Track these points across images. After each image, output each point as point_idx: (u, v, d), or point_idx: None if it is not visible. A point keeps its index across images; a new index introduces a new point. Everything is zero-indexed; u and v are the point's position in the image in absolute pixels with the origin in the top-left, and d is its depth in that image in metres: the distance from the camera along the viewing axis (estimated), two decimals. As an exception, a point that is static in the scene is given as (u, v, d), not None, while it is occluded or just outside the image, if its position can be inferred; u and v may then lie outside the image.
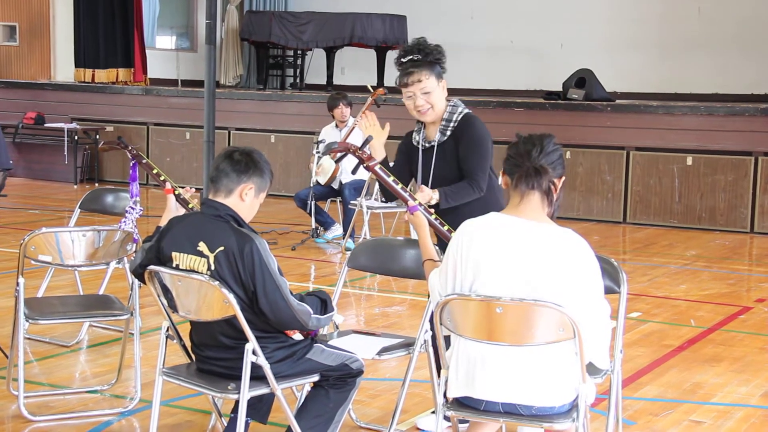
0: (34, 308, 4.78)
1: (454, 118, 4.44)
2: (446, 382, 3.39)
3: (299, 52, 16.25)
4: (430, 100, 4.40)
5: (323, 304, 3.83)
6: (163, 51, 17.00)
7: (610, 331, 3.40)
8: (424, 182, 4.47)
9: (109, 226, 4.91)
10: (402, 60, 4.43)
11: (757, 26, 14.50)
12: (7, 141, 13.40)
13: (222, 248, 3.61)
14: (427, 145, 4.51)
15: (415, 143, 4.55)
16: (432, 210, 4.17)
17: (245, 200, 3.75)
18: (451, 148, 4.42)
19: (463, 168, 4.38)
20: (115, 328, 6.01)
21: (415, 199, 4.03)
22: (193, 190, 4.41)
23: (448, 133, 4.43)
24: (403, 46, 4.48)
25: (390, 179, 4.20)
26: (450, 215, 4.25)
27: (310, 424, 3.82)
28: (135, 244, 4.87)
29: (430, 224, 4.02)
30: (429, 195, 4.28)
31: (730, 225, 11.08)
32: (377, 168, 4.23)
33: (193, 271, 3.65)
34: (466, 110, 4.49)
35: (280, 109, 13.44)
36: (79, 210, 6.04)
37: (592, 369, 3.59)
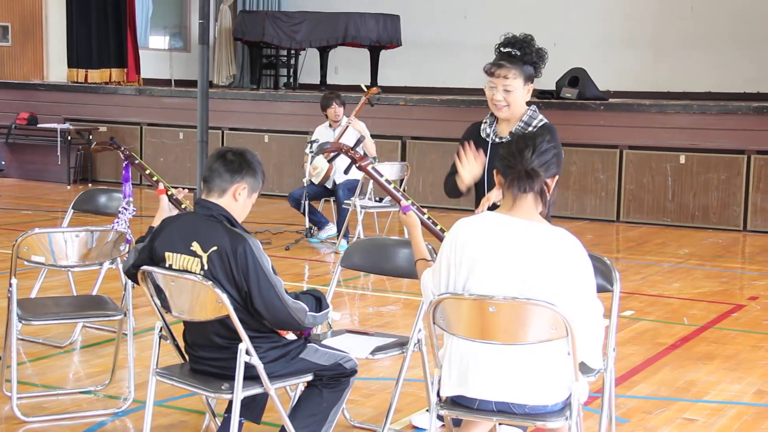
0: (27, 309, 4.77)
1: (533, 123, 4.35)
2: (439, 381, 3.40)
3: (293, 51, 16.26)
4: (509, 98, 4.30)
5: (318, 302, 3.83)
6: (156, 51, 16.99)
7: (603, 330, 3.40)
8: (489, 187, 4.29)
9: (102, 227, 4.91)
10: (501, 49, 4.33)
11: (750, 25, 14.53)
12: (0, 142, 13.41)
13: (215, 248, 3.61)
14: (497, 140, 4.38)
15: (484, 135, 4.42)
16: (425, 210, 4.17)
17: (238, 200, 3.75)
18: None
19: None
20: (108, 328, 6.00)
21: (407, 199, 4.03)
22: (186, 191, 4.41)
23: None
24: (506, 36, 4.35)
25: (382, 179, 4.19)
26: None
27: (303, 424, 3.82)
28: (128, 245, 4.87)
29: (423, 224, 4.01)
30: (498, 194, 4.15)
31: (723, 223, 11.10)
32: (369, 168, 4.22)
33: (186, 271, 3.65)
34: (546, 120, 4.40)
35: (273, 109, 13.43)
36: (72, 210, 6.03)
37: (585, 368, 3.60)
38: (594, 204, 11.67)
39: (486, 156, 4.34)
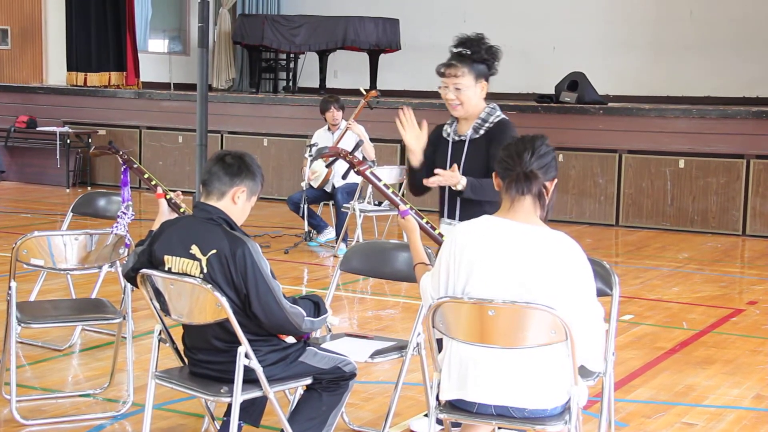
0: (27, 312, 4.77)
1: (491, 120, 4.44)
2: (438, 384, 3.40)
3: (292, 55, 16.25)
4: (461, 96, 4.38)
5: (316, 307, 3.84)
6: (155, 54, 16.98)
7: (604, 334, 3.40)
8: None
9: (101, 230, 4.91)
10: (452, 49, 4.42)
11: (749, 29, 14.54)
12: (-1, 145, 13.42)
13: (214, 251, 3.61)
14: (457, 138, 4.47)
15: (445, 135, 4.52)
16: (423, 215, 4.18)
17: (237, 203, 3.76)
18: (482, 146, 4.39)
19: (492, 167, 4.34)
20: (107, 331, 6.00)
21: (406, 203, 4.04)
22: (181, 194, 4.41)
23: (482, 131, 4.41)
24: (460, 36, 4.43)
25: (381, 183, 4.20)
26: (468, 213, 4.24)
27: (303, 427, 3.82)
28: (127, 248, 4.87)
29: (422, 228, 4.01)
30: (458, 177, 4.25)
31: (722, 227, 11.10)
32: (368, 172, 4.23)
33: (185, 274, 3.65)
34: (504, 116, 4.48)
35: (272, 113, 13.44)
36: (71, 214, 6.03)
37: (584, 371, 3.60)
38: (593, 208, 11.68)
39: (447, 153, 4.47)
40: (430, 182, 4.28)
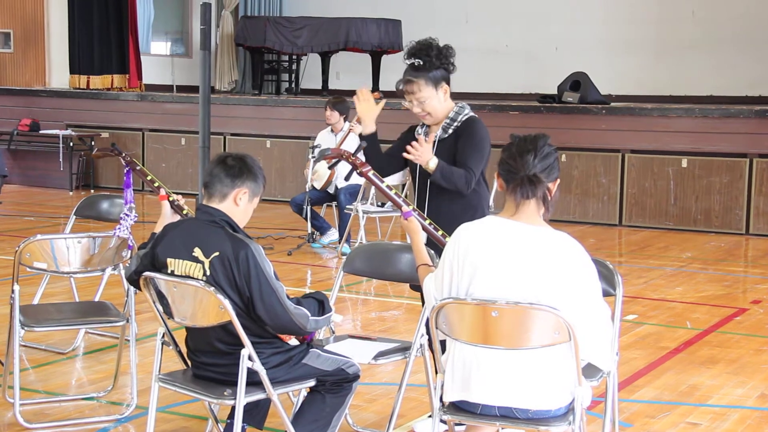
0: (30, 315, 4.77)
1: (459, 119, 4.48)
2: (442, 386, 3.39)
3: (294, 57, 16.26)
4: (427, 107, 4.45)
5: (320, 305, 3.83)
6: (158, 57, 16.99)
7: (611, 332, 3.40)
8: (421, 173, 4.49)
9: (104, 233, 4.91)
10: (405, 61, 4.46)
11: (751, 28, 14.52)
12: (2, 148, 13.42)
13: (217, 254, 3.61)
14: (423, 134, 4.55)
15: (416, 135, 4.55)
16: (426, 216, 4.19)
17: (239, 205, 3.76)
18: (451, 145, 4.46)
19: (459, 161, 4.40)
20: (111, 334, 6.01)
21: (409, 204, 4.03)
22: (182, 198, 4.41)
23: (450, 131, 4.47)
24: (409, 46, 4.48)
25: (383, 185, 4.20)
26: (435, 215, 4.31)
27: (306, 430, 3.82)
28: (130, 251, 4.87)
29: (424, 229, 4.02)
30: (430, 153, 4.32)
31: (726, 227, 11.09)
32: (371, 174, 4.24)
33: (188, 277, 3.65)
34: (472, 114, 4.54)
35: (275, 114, 13.45)
36: (74, 217, 6.03)
37: (588, 372, 3.60)
38: (596, 208, 11.67)
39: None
40: (407, 156, 4.35)
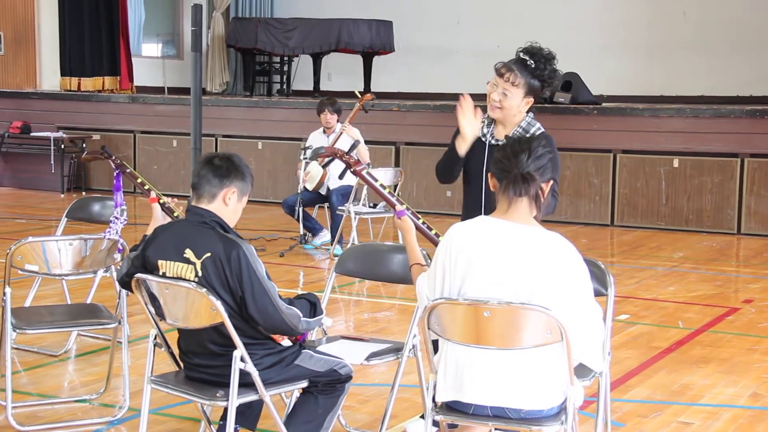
0: (22, 318, 4.76)
1: (531, 131, 4.37)
2: (435, 386, 3.39)
3: (286, 58, 16.27)
4: (505, 102, 4.32)
5: (312, 306, 3.83)
6: (149, 59, 16.98)
7: (602, 332, 3.41)
8: (484, 176, 4.31)
9: (95, 235, 4.90)
10: (518, 54, 4.36)
11: (742, 29, 14.57)
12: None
13: (209, 255, 3.61)
14: (494, 141, 4.41)
15: (481, 135, 4.44)
16: (419, 216, 4.18)
17: (229, 205, 3.75)
18: None
19: None
20: (103, 336, 5.99)
21: (402, 203, 4.04)
22: (176, 200, 4.40)
23: None
24: (532, 45, 4.37)
25: (377, 183, 4.20)
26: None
27: (299, 430, 3.82)
28: (120, 253, 4.86)
29: (417, 228, 4.01)
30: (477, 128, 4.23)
31: (717, 226, 11.12)
32: (364, 172, 4.23)
33: (180, 278, 3.65)
34: (543, 130, 4.42)
35: (267, 116, 13.44)
36: (66, 219, 6.02)
37: (580, 371, 3.60)
38: (588, 208, 11.68)
39: (484, 154, 4.38)
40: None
